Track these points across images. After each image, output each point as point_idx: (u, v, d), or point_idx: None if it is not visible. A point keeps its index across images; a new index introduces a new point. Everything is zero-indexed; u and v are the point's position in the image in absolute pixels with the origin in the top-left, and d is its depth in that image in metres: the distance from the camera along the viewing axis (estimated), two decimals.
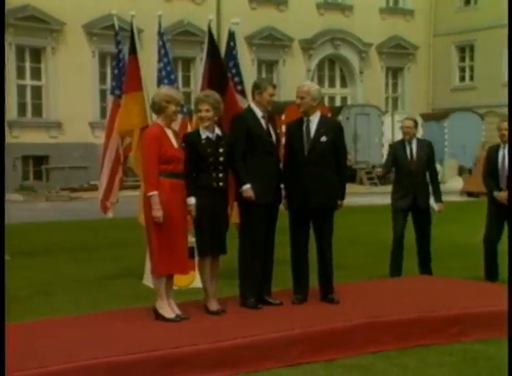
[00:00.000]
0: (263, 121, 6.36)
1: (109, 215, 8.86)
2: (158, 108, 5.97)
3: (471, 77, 32.18)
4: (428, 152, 8.14)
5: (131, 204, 8.75)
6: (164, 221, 5.77)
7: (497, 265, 7.94)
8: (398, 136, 9.40)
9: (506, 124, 7.75)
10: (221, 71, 8.16)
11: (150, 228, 5.87)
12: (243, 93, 8.28)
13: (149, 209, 5.82)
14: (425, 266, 8.19)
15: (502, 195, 7.71)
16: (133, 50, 8.43)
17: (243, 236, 6.36)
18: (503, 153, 7.76)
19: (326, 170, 6.44)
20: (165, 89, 6.26)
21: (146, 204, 5.87)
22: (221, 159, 6.09)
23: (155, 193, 5.77)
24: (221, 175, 6.11)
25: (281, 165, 6.54)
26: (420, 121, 27.65)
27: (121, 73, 8.57)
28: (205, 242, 6.09)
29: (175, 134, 6.04)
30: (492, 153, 7.91)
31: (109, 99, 8.82)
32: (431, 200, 8.08)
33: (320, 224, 6.49)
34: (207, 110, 6.07)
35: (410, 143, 8.10)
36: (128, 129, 8.37)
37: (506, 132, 7.70)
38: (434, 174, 8.22)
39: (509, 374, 4.41)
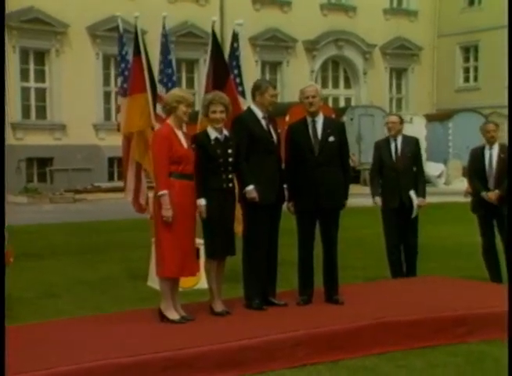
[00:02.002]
0: (264, 122, 6.35)
1: (148, 215, 8.66)
2: (169, 109, 5.98)
3: (475, 78, 32.13)
4: (414, 149, 8.04)
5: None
6: (174, 222, 5.76)
7: (499, 266, 7.94)
8: None
9: (492, 126, 7.92)
10: (224, 73, 8.15)
11: (160, 229, 5.86)
12: (243, 94, 8.27)
13: (159, 209, 5.81)
14: (410, 266, 8.07)
15: (490, 195, 7.74)
16: (137, 52, 8.42)
17: (247, 237, 6.35)
18: (490, 153, 7.85)
19: (336, 170, 6.46)
20: (177, 90, 6.27)
21: (156, 204, 5.86)
22: (230, 160, 6.09)
23: (165, 192, 5.76)
24: (230, 176, 6.12)
25: (283, 166, 6.53)
26: (423, 121, 27.78)
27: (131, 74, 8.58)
28: (216, 244, 6.08)
29: (185, 135, 6.03)
30: (478, 154, 7.95)
31: (123, 101, 8.69)
32: (411, 192, 7.89)
33: (328, 225, 6.49)
34: (222, 111, 6.07)
35: (395, 140, 8.00)
36: (131, 131, 8.36)
37: (494, 134, 7.84)
38: (420, 170, 8.09)
39: (509, 374, 4.39)
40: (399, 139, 8.01)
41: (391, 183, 7.95)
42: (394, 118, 8.11)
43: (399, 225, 7.99)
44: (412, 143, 8.08)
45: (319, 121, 6.49)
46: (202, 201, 5.98)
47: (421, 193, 7.97)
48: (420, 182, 8.08)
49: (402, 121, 8.10)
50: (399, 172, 7.91)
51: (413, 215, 7.94)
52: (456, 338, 5.88)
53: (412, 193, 7.91)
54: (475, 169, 7.98)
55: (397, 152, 7.97)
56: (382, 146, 8.10)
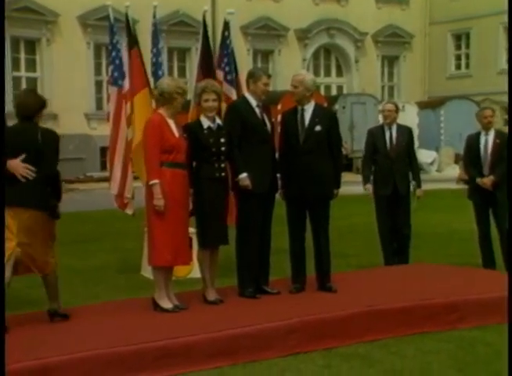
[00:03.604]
0: (258, 110, 6.35)
1: (129, 211, 8.42)
2: (168, 98, 5.91)
3: (467, 65, 32.15)
4: (408, 138, 8.09)
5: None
6: (166, 211, 5.76)
7: (493, 253, 7.97)
8: None
9: (489, 112, 7.87)
10: (210, 63, 8.14)
11: (152, 218, 5.85)
12: (232, 83, 8.22)
13: (151, 199, 5.80)
14: (403, 254, 8.12)
15: (485, 181, 7.73)
16: (133, 44, 8.30)
17: (240, 226, 6.36)
18: (485, 139, 7.85)
19: (322, 159, 6.44)
20: (171, 80, 6.15)
21: (148, 193, 5.86)
22: (222, 149, 6.09)
23: (156, 181, 5.75)
24: (222, 165, 6.12)
25: (277, 155, 6.54)
26: (415, 109, 27.79)
27: (122, 63, 8.46)
28: (209, 233, 6.09)
29: (177, 124, 6.02)
30: (473, 140, 7.96)
31: (113, 90, 8.48)
32: (411, 185, 8.00)
33: (316, 213, 6.49)
34: (215, 100, 6.07)
35: (390, 128, 8.04)
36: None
37: (491, 119, 7.83)
38: (413, 160, 8.15)
39: (509, 362, 4.42)
40: (394, 128, 8.04)
41: (384, 171, 7.99)
42: (390, 106, 8.13)
43: (392, 211, 8.02)
44: (406, 132, 8.13)
45: (309, 109, 6.47)
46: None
47: (418, 184, 8.05)
48: (416, 172, 8.14)
49: (397, 110, 8.14)
50: (393, 160, 7.94)
51: (413, 207, 8.02)
52: (447, 325, 5.92)
53: (411, 186, 7.99)
54: (471, 155, 7.99)
55: (391, 140, 8.01)
56: (376, 134, 8.12)
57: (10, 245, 5.30)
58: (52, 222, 5.56)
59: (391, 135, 8.02)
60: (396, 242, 8.14)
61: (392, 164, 7.95)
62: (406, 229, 8.08)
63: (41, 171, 5.37)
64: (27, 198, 5.33)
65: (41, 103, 5.89)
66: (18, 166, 5.31)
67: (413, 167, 8.14)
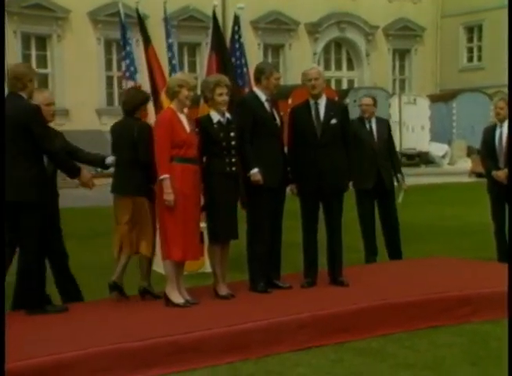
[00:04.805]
0: (267, 105, 6.34)
1: None
2: (172, 93, 5.96)
3: (479, 58, 32.00)
4: (387, 130, 8.05)
5: None
6: (177, 206, 5.76)
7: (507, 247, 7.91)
8: (405, 118, 9.23)
9: (501, 103, 7.76)
10: (224, 56, 8.15)
11: (164, 213, 5.86)
12: (242, 77, 8.21)
13: (162, 194, 5.80)
14: (395, 249, 8.05)
15: (499, 174, 7.62)
16: (149, 41, 8.36)
17: (251, 220, 6.35)
18: (500, 131, 7.74)
19: (338, 152, 6.45)
20: (179, 74, 6.29)
21: (158, 188, 5.86)
22: (233, 143, 6.08)
23: (166, 176, 5.76)
24: (233, 159, 6.10)
25: (285, 149, 6.52)
26: (427, 102, 27.70)
27: (135, 58, 8.53)
28: (219, 228, 6.08)
29: (188, 118, 6.02)
30: (489, 133, 7.89)
31: (130, 84, 8.48)
32: (398, 177, 7.97)
33: (331, 206, 6.47)
34: (227, 94, 6.07)
35: (370, 121, 7.98)
36: None
37: (501, 111, 7.71)
38: (394, 153, 8.09)
39: (509, 361, 4.42)
40: (373, 121, 8.02)
41: (367, 163, 7.84)
42: (368, 100, 8.08)
43: (379, 205, 7.99)
44: (384, 125, 8.13)
45: (322, 103, 6.48)
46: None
47: (402, 177, 8.02)
48: (398, 165, 8.13)
49: (375, 103, 8.10)
50: (375, 154, 7.88)
51: (399, 201, 7.98)
52: (460, 318, 5.89)
53: (398, 179, 7.98)
54: (487, 148, 7.91)
55: (372, 133, 7.95)
56: (357, 127, 7.96)
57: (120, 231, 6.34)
58: (150, 206, 6.06)
59: (371, 127, 7.97)
60: (386, 238, 8.07)
61: (376, 157, 7.86)
62: (394, 221, 8.03)
63: (138, 161, 6.07)
64: (126, 186, 6.22)
65: (142, 100, 6.29)
66: (90, 179, 6.46)
67: (394, 160, 8.08)
